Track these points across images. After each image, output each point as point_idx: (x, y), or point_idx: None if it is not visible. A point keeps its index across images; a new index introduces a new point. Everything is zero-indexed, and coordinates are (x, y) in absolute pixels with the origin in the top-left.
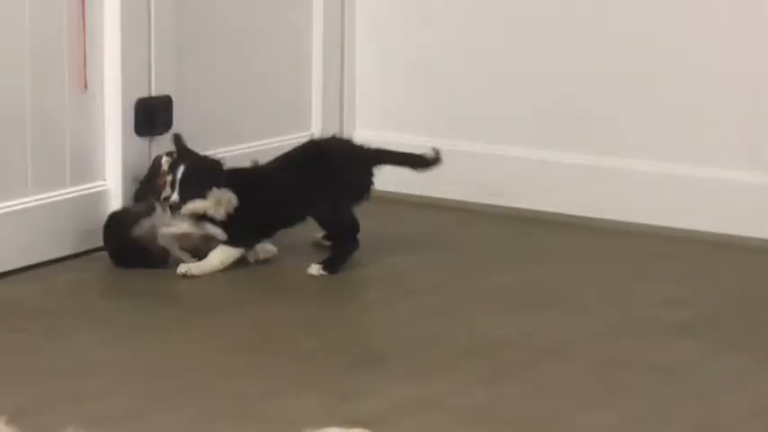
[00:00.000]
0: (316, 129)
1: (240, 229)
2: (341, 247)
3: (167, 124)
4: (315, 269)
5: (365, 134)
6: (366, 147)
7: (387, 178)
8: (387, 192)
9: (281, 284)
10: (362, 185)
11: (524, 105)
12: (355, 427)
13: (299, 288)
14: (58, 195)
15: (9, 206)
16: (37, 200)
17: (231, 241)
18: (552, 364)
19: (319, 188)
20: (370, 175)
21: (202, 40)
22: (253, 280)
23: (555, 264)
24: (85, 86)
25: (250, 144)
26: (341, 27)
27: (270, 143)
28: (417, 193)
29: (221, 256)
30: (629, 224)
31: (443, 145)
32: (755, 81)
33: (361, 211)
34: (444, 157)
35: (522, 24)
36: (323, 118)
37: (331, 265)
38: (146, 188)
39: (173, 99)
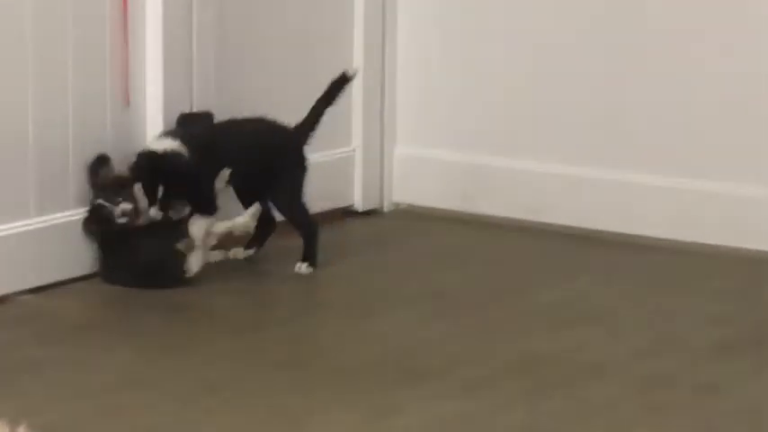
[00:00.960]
0: (357, 144)
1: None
2: (308, 236)
3: None
4: (303, 268)
5: (405, 150)
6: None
7: (426, 194)
8: (426, 207)
9: (315, 301)
10: (305, 165)
11: (565, 122)
12: None
13: (332, 304)
14: None
15: (51, 219)
16: (78, 213)
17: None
18: (594, 381)
19: (276, 172)
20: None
21: (243, 54)
22: (286, 296)
23: (596, 280)
24: (128, 101)
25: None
26: (381, 42)
27: (312, 158)
28: (457, 209)
29: (201, 227)
30: (672, 241)
31: (484, 161)
32: None
33: (399, 228)
34: (485, 173)
35: (565, 41)
36: (363, 133)
37: (312, 259)
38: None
39: (213, 114)
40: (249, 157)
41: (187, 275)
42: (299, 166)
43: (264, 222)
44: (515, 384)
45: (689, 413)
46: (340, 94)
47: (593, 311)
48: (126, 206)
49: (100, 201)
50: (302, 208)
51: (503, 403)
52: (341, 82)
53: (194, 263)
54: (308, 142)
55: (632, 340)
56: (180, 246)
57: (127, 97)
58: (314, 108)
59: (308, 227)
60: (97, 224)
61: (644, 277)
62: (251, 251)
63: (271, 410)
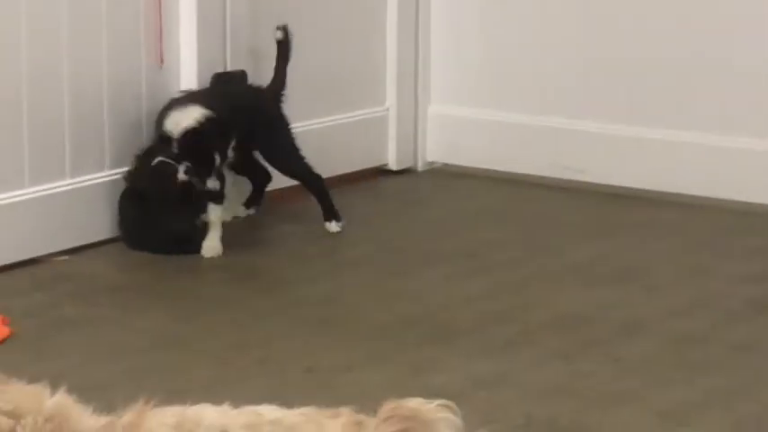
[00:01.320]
0: (390, 103)
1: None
2: (318, 191)
3: None
4: (333, 226)
5: (439, 109)
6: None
7: (465, 153)
8: (460, 166)
9: (350, 258)
10: (287, 122)
11: (604, 79)
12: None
13: (369, 261)
14: None
15: (86, 180)
16: (113, 174)
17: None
18: (629, 339)
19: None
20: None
21: (277, 13)
22: (321, 254)
23: (633, 239)
24: (161, 61)
25: (324, 119)
26: (416, 2)
27: (344, 118)
28: (493, 167)
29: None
30: (709, 199)
31: (522, 120)
32: None
33: (433, 187)
34: (522, 131)
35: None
36: (397, 92)
37: (334, 214)
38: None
39: (247, 74)
40: (243, 124)
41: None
42: (281, 122)
43: (258, 177)
44: (550, 342)
45: (724, 371)
46: (289, 50)
47: (628, 270)
48: (190, 165)
49: (162, 158)
50: (301, 163)
51: (537, 361)
52: (282, 41)
53: (212, 247)
54: (282, 100)
55: (668, 299)
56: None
57: (161, 57)
58: (276, 68)
59: (312, 181)
60: (156, 181)
61: (680, 235)
62: (251, 210)
63: (305, 369)
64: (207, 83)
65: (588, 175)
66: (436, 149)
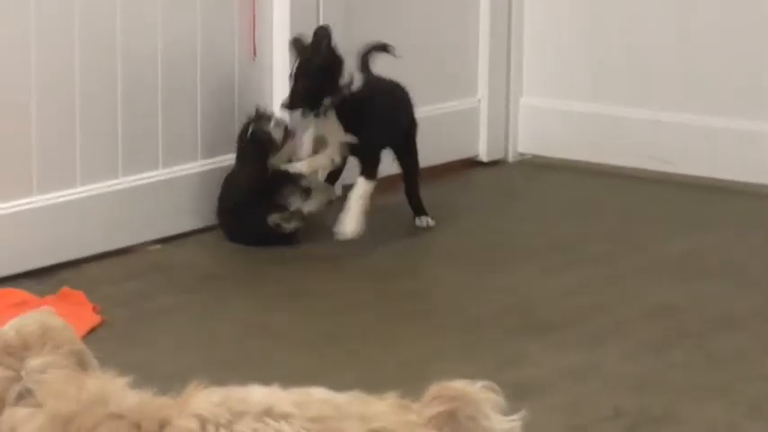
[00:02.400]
0: (482, 94)
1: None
2: (417, 187)
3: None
4: (425, 221)
5: (530, 100)
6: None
7: (556, 145)
8: (551, 158)
9: (441, 250)
10: None
11: (694, 71)
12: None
13: (461, 254)
14: (225, 161)
15: (179, 171)
16: (205, 164)
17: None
18: (722, 333)
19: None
20: None
21: (370, 6)
22: (412, 247)
23: (726, 232)
24: (254, 54)
25: (419, 109)
26: None
27: (437, 109)
28: (585, 159)
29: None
30: None
31: (614, 111)
32: None
33: (524, 179)
34: (612, 123)
35: None
36: (489, 83)
37: (425, 211)
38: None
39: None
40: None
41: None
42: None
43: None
44: (642, 335)
45: None
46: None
47: (722, 264)
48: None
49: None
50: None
51: (630, 353)
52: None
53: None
54: None
55: (763, 294)
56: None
57: (254, 50)
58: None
59: (416, 175)
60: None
61: None
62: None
63: (397, 361)
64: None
65: (680, 167)
66: (527, 141)
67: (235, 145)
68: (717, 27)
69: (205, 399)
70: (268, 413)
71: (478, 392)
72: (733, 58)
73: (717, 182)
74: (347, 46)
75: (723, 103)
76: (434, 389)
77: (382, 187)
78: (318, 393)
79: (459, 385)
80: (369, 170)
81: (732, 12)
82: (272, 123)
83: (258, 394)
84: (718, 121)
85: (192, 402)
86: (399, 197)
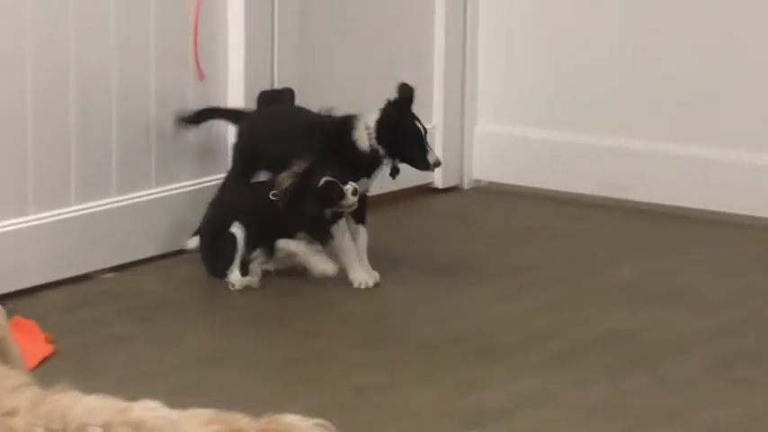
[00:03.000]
0: (437, 121)
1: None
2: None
3: None
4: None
5: (485, 128)
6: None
7: (511, 171)
8: (506, 184)
9: (397, 276)
10: None
11: (648, 98)
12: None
13: (416, 279)
14: (179, 188)
15: (133, 198)
16: (160, 191)
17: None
18: (674, 358)
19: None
20: None
21: (325, 32)
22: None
23: (678, 258)
24: (200, 77)
25: None
26: (463, 19)
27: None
28: (539, 185)
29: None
30: (756, 218)
31: (567, 138)
32: None
33: (479, 205)
34: (566, 149)
35: (649, 14)
36: (444, 111)
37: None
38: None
39: (295, 92)
40: None
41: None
42: None
43: None
44: (596, 361)
45: None
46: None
47: (675, 289)
48: (356, 186)
49: (329, 177)
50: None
51: (583, 379)
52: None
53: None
54: None
55: (715, 318)
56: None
57: (199, 73)
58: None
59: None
60: (326, 202)
61: (727, 254)
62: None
63: (353, 387)
64: (254, 98)
65: (633, 194)
66: (482, 168)
67: (186, 170)
68: (670, 54)
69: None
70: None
71: (307, 429)
72: (685, 85)
73: (668, 208)
74: (301, 74)
75: (675, 129)
76: (263, 421)
77: None
78: (141, 412)
79: (291, 419)
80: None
81: (685, 40)
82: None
83: (79, 407)
84: (670, 148)
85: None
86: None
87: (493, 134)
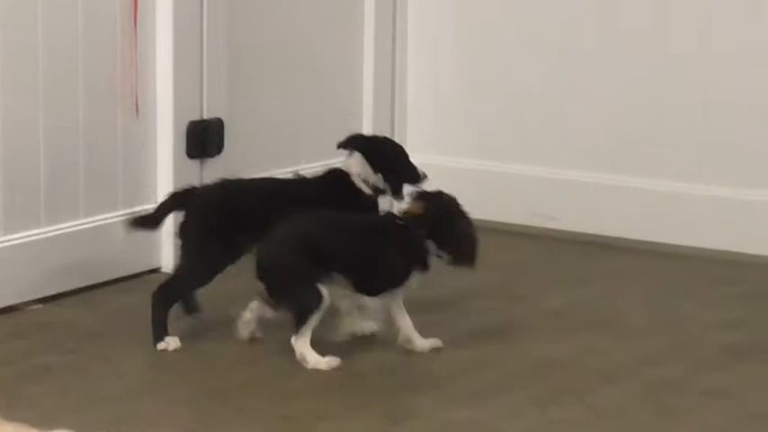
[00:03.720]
0: None
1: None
2: None
3: (219, 147)
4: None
5: (416, 158)
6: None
7: None
8: None
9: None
10: None
11: (579, 127)
12: None
13: (337, 310)
14: (109, 218)
15: (61, 229)
16: (89, 222)
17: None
18: (604, 387)
19: None
20: None
21: (253, 63)
22: None
23: (608, 286)
24: (137, 111)
25: (301, 166)
26: (392, 50)
27: (320, 165)
28: (471, 215)
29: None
30: (684, 247)
31: (497, 168)
32: None
33: None
34: (497, 179)
35: (578, 43)
36: None
37: None
38: None
39: (224, 122)
40: None
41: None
42: None
43: None
44: (525, 390)
45: (699, 418)
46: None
47: (604, 317)
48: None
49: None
50: None
51: (513, 409)
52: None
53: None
54: None
55: (643, 346)
56: None
57: (136, 107)
58: None
59: None
60: (415, 261)
61: (656, 283)
62: None
63: (282, 417)
64: (183, 131)
65: (563, 223)
66: None
67: (112, 202)
68: (598, 84)
69: None
70: None
71: None
72: (613, 116)
73: (598, 237)
74: (229, 105)
75: (604, 159)
76: None
77: None
78: None
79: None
80: None
81: (613, 70)
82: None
83: None
84: (600, 178)
85: None
86: None
87: (423, 165)
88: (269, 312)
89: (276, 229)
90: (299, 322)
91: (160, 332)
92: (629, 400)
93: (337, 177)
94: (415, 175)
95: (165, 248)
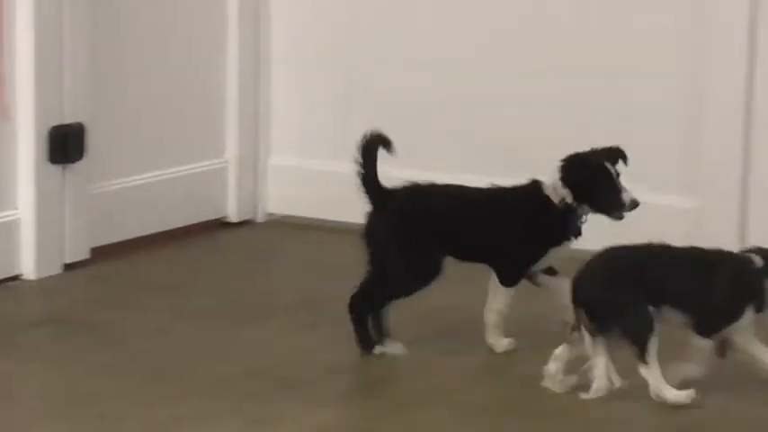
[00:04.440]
0: (230, 154)
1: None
2: None
3: (81, 152)
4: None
5: (279, 160)
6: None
7: (304, 204)
8: (304, 218)
9: (189, 311)
10: None
11: (443, 128)
12: None
13: (209, 314)
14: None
15: None
16: None
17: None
18: (469, 387)
19: None
20: None
21: (116, 66)
22: (159, 308)
23: (470, 286)
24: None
25: (165, 171)
26: (256, 51)
27: (185, 170)
28: (333, 218)
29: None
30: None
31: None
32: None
33: (273, 238)
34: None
35: (444, 50)
36: (238, 144)
37: None
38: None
39: (86, 126)
40: None
41: None
42: None
43: None
44: (390, 392)
45: None
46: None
47: (468, 318)
48: None
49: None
50: None
51: (378, 411)
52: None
53: None
54: None
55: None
56: None
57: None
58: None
59: None
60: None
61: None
62: None
63: (145, 424)
64: (44, 136)
65: None
66: (276, 201)
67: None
68: (471, 86)
69: None
70: None
71: None
72: (482, 119)
73: None
74: (89, 114)
75: (462, 161)
76: None
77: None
78: None
79: None
80: None
81: (483, 72)
82: None
83: None
84: (459, 180)
85: None
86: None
87: (287, 167)
88: (577, 349)
89: (599, 255)
90: (638, 348)
91: (369, 342)
92: (491, 401)
93: (532, 189)
94: (614, 203)
95: (25, 255)
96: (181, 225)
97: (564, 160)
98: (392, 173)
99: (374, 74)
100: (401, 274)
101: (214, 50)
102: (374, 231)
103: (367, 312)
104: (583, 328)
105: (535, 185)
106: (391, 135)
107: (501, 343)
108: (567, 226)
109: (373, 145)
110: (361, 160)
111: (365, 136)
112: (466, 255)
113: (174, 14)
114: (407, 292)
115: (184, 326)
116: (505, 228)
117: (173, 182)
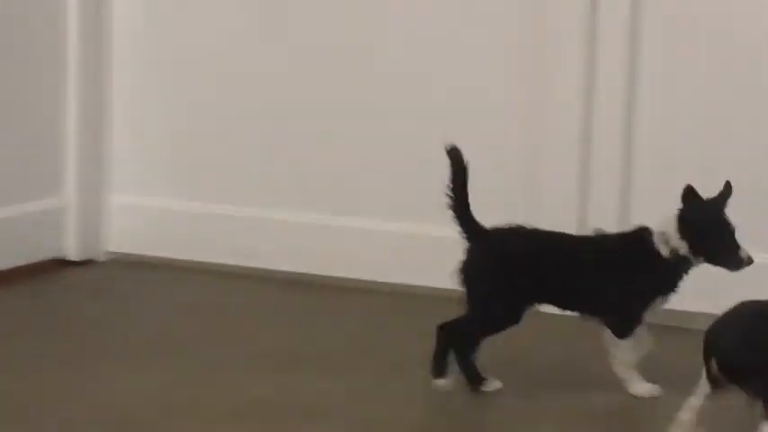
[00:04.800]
0: (70, 192)
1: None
2: None
3: None
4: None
5: (123, 198)
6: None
7: (145, 242)
8: (145, 256)
9: (26, 352)
10: None
11: (279, 166)
12: None
13: (47, 356)
14: None
15: None
16: None
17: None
18: (311, 424)
19: None
20: None
21: None
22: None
23: (313, 324)
24: None
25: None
26: (99, 86)
27: (21, 208)
28: (174, 256)
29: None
30: (380, 283)
31: (197, 208)
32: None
33: (115, 278)
34: (199, 219)
35: (280, 86)
36: (78, 181)
37: None
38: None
39: None
40: None
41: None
42: None
43: None
44: (234, 429)
45: None
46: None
47: (308, 355)
48: None
49: None
50: None
51: None
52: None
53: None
54: None
55: (343, 381)
56: None
57: None
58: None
59: None
60: None
61: (353, 321)
62: None
63: None
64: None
65: (262, 261)
66: (118, 239)
67: None
68: (292, 120)
69: None
70: None
71: None
72: (305, 151)
73: (298, 275)
74: None
75: (297, 197)
76: None
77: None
78: None
79: None
80: None
81: (302, 109)
82: None
83: None
84: (293, 215)
85: None
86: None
87: (127, 205)
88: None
89: (735, 308)
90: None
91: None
92: None
93: (638, 236)
94: (731, 258)
95: None
96: (17, 265)
97: (682, 210)
98: (229, 210)
99: (210, 113)
100: (489, 316)
101: (53, 85)
102: (471, 270)
103: (470, 350)
104: (707, 380)
105: (642, 232)
106: (228, 171)
107: (644, 388)
108: (677, 276)
109: (463, 170)
110: (451, 185)
111: (451, 152)
112: (566, 304)
113: (8, 42)
114: (493, 332)
115: (20, 368)
116: (613, 279)
117: (8, 221)
